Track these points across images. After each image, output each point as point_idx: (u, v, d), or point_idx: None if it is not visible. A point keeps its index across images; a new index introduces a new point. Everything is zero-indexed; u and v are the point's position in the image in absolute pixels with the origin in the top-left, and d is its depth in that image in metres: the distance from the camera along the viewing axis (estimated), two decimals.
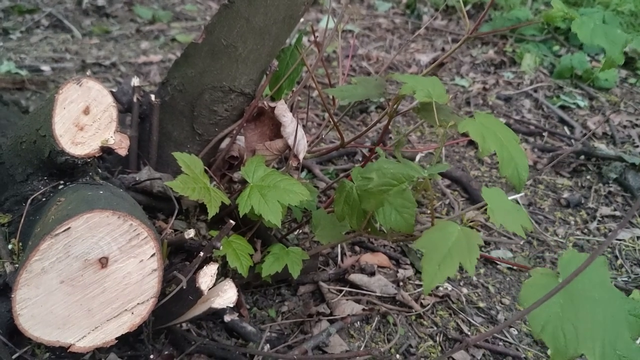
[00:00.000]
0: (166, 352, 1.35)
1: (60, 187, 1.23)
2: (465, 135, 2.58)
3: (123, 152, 1.19)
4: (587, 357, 0.94)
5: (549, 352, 1.56)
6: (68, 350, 1.06)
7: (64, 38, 3.50)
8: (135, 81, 1.53)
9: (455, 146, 2.63)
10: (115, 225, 1.03)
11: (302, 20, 1.58)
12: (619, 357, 0.94)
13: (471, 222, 1.15)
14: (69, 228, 0.99)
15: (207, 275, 1.20)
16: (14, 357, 1.12)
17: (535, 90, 3.17)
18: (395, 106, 1.46)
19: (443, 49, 3.73)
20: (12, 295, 0.99)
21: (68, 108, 1.14)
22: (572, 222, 2.15)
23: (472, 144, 2.66)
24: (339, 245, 1.88)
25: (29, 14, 3.73)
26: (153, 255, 1.08)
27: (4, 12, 3.70)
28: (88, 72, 1.87)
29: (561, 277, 1.01)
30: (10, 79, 2.66)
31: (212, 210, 1.28)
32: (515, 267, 1.89)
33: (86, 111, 1.16)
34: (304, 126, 1.57)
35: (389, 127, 1.58)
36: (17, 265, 1.15)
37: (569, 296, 1.00)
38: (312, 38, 1.59)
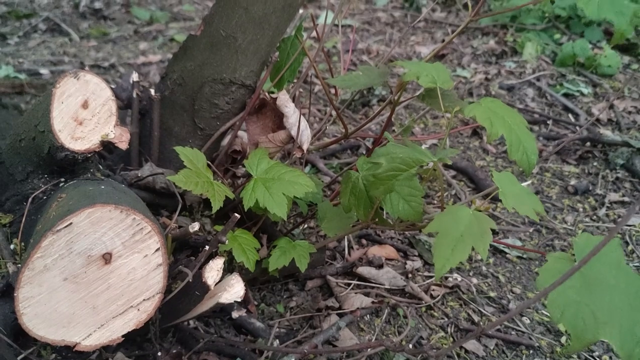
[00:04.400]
0: (174, 351, 1.33)
1: (61, 184, 1.21)
2: (467, 124, 2.56)
3: (124, 145, 1.16)
4: (608, 341, 0.92)
5: (563, 339, 1.54)
6: (74, 350, 1.04)
7: (62, 41, 3.48)
8: (135, 76, 1.51)
9: (459, 137, 2.60)
10: (117, 219, 1.01)
11: (300, 11, 1.55)
12: (639, 340, 0.91)
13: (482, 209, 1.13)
14: (70, 224, 0.97)
15: (213, 270, 1.17)
16: (19, 358, 1.10)
17: (538, 79, 3.14)
18: (399, 93, 1.43)
19: (443, 41, 3.70)
20: (15, 294, 0.97)
21: (66, 102, 1.12)
22: (581, 209, 2.12)
23: (476, 134, 2.63)
24: (346, 239, 1.85)
25: (26, 19, 3.71)
26: (157, 249, 1.06)
27: (1, 17, 3.68)
28: (86, 67, 1.85)
29: (578, 262, 0.99)
30: (9, 83, 2.64)
31: (217, 204, 1.25)
32: (525, 256, 1.86)
33: (85, 105, 1.14)
34: (306, 120, 1.54)
35: (392, 118, 1.56)
36: (19, 265, 1.13)
37: (585, 281, 0.97)
38: (311, 34, 1.57)
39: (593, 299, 0.96)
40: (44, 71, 2.95)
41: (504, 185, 1.13)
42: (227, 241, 1.25)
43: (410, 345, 1.48)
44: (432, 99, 1.35)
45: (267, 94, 1.47)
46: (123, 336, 1.08)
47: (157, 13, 4.04)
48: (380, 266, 1.74)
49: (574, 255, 1.00)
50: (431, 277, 1.74)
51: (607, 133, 2.59)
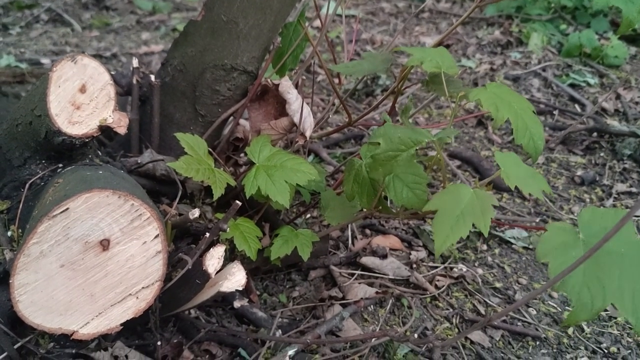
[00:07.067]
0: (175, 340, 1.31)
1: (59, 170, 1.19)
2: (471, 113, 2.53)
3: (122, 130, 1.14)
4: (617, 307, 0.90)
5: (570, 331, 1.51)
6: (71, 338, 1.02)
7: (64, 32, 3.46)
8: (135, 63, 1.48)
9: (464, 127, 2.57)
10: (115, 205, 0.99)
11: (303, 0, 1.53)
12: None
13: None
14: (67, 209, 0.95)
15: (214, 258, 1.15)
16: (15, 346, 1.08)
17: (544, 70, 3.10)
18: (402, 80, 1.40)
19: None
20: (11, 281, 0.95)
21: (63, 86, 1.09)
22: (588, 200, 2.09)
23: (481, 124, 2.60)
24: (349, 228, 1.83)
25: (28, 9, 3.69)
26: (157, 236, 1.03)
27: (3, 7, 3.66)
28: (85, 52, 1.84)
29: (581, 233, 0.96)
30: (10, 72, 2.62)
31: (218, 191, 1.23)
32: (531, 247, 1.84)
33: (82, 89, 1.11)
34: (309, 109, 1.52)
35: (395, 107, 1.53)
36: (16, 251, 1.11)
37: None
38: (314, 23, 1.54)
39: (601, 268, 0.94)
40: (45, 61, 2.93)
41: (506, 165, 1.10)
42: (228, 229, 1.22)
43: (415, 336, 1.46)
44: (436, 84, 1.32)
45: (269, 80, 1.45)
46: (122, 325, 1.06)
47: (160, 3, 4.01)
48: (384, 256, 1.72)
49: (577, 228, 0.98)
50: (436, 267, 1.72)
51: (614, 123, 2.55)
